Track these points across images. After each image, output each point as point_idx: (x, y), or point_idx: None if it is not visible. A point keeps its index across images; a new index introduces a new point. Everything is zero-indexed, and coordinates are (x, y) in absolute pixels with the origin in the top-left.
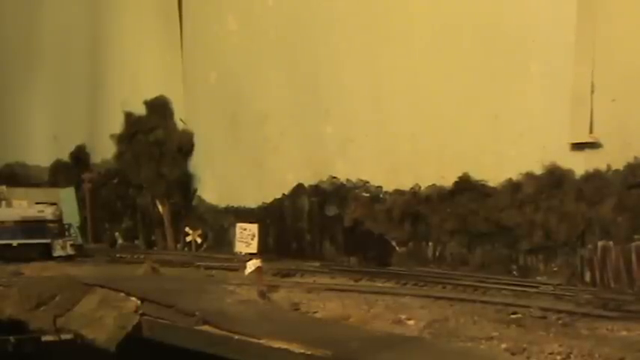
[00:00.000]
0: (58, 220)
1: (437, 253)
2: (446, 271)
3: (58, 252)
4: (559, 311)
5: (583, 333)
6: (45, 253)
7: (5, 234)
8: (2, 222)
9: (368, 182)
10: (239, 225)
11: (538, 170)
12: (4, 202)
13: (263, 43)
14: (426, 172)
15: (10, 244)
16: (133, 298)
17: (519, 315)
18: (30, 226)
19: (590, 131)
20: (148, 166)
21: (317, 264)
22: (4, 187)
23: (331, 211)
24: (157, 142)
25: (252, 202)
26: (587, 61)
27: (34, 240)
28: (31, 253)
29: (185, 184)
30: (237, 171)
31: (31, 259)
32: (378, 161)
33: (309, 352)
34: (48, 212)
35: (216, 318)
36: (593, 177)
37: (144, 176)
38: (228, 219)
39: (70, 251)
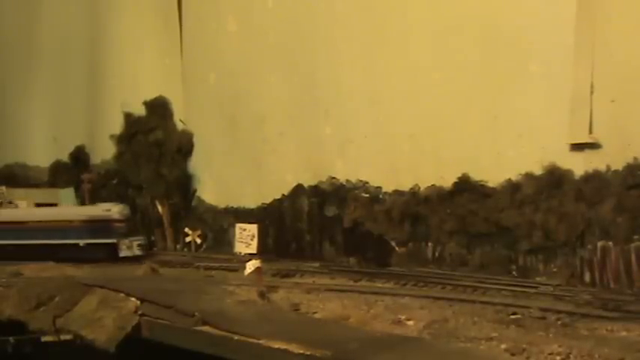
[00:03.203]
0: (125, 219)
1: (436, 254)
2: (445, 272)
3: (124, 252)
4: (559, 312)
5: (583, 333)
6: (111, 253)
7: (72, 233)
8: (70, 221)
9: (367, 183)
10: (238, 225)
11: (537, 171)
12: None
13: (262, 44)
14: (425, 173)
15: (77, 244)
16: (133, 299)
17: (519, 315)
18: (97, 226)
19: (590, 132)
20: (148, 166)
21: (316, 264)
22: (3, 188)
23: (331, 211)
24: (156, 142)
25: (251, 202)
26: (587, 62)
27: (100, 240)
28: (97, 254)
29: (184, 185)
30: (236, 172)
31: (98, 260)
32: (377, 162)
33: (308, 353)
34: (115, 211)
35: (215, 318)
36: (593, 177)
37: (143, 177)
38: (227, 219)
39: (136, 251)
